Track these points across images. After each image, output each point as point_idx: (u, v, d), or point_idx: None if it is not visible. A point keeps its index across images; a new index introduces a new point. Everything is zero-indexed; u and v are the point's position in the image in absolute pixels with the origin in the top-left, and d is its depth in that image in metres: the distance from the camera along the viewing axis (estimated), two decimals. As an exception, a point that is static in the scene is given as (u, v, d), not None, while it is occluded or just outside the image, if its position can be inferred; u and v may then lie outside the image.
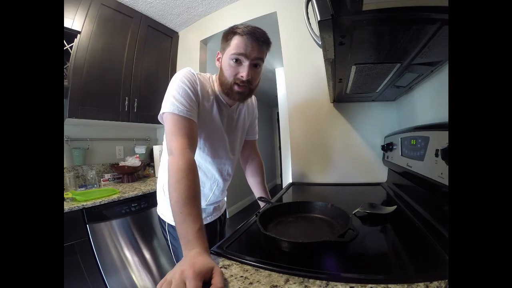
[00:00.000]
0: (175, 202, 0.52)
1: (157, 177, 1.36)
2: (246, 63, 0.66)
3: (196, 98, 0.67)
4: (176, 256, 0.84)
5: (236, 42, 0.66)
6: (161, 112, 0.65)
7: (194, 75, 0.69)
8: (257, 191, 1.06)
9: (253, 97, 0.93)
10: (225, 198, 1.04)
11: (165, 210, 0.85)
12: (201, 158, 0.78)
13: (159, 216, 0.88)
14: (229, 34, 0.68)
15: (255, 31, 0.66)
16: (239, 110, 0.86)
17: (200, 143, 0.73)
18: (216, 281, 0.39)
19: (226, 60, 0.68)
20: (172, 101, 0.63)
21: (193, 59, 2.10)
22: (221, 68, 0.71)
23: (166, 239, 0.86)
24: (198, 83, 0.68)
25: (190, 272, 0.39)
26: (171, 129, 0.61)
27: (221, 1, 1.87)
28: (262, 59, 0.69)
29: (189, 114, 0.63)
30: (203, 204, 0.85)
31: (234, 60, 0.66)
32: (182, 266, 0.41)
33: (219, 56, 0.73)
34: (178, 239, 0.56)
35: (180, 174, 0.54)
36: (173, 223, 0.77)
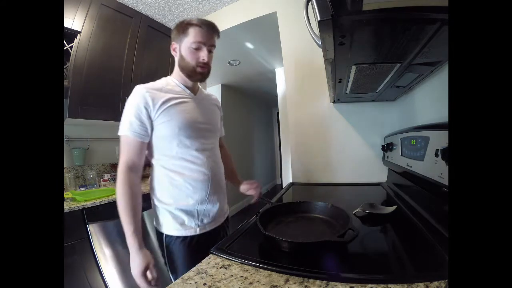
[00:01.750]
0: (120, 210, 0.72)
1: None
2: (204, 49, 0.79)
3: (148, 116, 0.75)
4: (174, 274, 0.79)
5: (194, 33, 0.77)
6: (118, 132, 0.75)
7: (144, 93, 0.75)
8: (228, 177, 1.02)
9: (216, 98, 1.02)
10: (227, 206, 0.97)
11: (162, 220, 0.80)
12: (184, 149, 0.79)
13: (156, 230, 0.83)
14: (184, 26, 0.78)
15: (208, 23, 0.79)
16: (205, 99, 0.93)
17: (179, 136, 0.78)
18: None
19: (186, 48, 0.79)
20: (127, 124, 0.74)
21: (193, 59, 2.10)
22: (181, 56, 0.81)
23: (164, 256, 0.80)
24: (149, 98, 0.75)
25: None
26: (121, 150, 0.75)
27: (221, 1, 1.87)
28: (214, 46, 0.83)
29: (139, 135, 0.74)
30: (200, 204, 0.81)
31: (195, 47, 0.78)
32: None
33: (175, 46, 0.82)
34: (176, 253, 0.78)
35: (120, 191, 0.72)
36: (170, 233, 0.78)
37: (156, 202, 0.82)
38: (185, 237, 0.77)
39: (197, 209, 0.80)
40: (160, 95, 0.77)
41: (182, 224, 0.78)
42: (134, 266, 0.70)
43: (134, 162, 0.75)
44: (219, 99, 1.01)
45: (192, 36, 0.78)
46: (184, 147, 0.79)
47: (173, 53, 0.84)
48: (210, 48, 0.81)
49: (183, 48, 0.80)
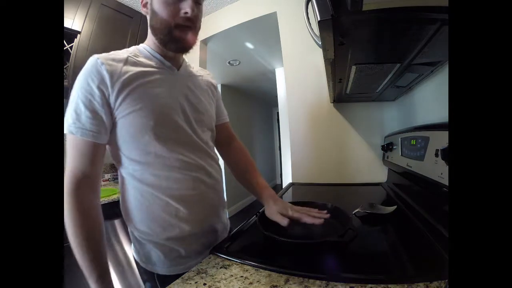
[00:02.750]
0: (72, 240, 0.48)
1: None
2: None
3: (104, 102, 0.50)
4: None
5: None
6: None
7: (98, 66, 0.51)
8: (255, 188, 0.73)
9: (210, 74, 0.75)
10: (227, 219, 0.74)
11: (147, 256, 0.59)
12: (164, 151, 0.55)
13: (138, 266, 0.61)
14: None
15: None
16: (193, 76, 0.67)
17: (154, 132, 0.54)
18: None
19: None
20: (73, 116, 0.50)
21: (193, 59, 2.10)
22: (152, 11, 0.55)
23: None
24: (106, 73, 0.51)
25: None
26: (67, 154, 0.51)
27: (221, 1, 1.87)
28: None
29: (91, 134, 0.50)
30: (199, 226, 0.60)
31: None
32: None
33: (145, 1, 0.56)
34: None
35: (69, 219, 0.48)
36: (164, 273, 0.58)
37: (134, 233, 0.59)
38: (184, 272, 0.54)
39: (195, 234, 0.59)
40: (124, 68, 0.52)
41: (178, 257, 0.58)
42: None
43: (86, 174, 0.50)
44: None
45: None
46: (165, 148, 0.55)
47: (142, 10, 0.58)
48: None
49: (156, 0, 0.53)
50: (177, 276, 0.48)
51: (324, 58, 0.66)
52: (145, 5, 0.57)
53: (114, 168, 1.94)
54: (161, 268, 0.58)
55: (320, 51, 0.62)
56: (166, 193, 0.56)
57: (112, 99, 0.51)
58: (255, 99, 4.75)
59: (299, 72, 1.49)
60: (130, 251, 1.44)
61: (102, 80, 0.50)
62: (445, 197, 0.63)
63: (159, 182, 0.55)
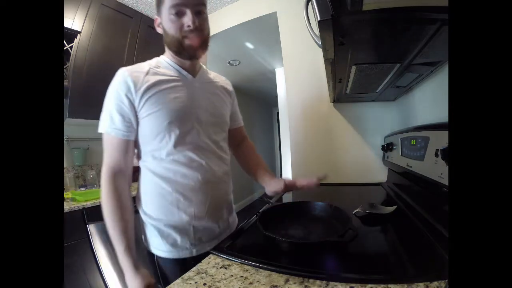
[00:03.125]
0: (106, 217, 0.59)
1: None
2: (187, 11, 0.60)
3: (131, 106, 0.61)
4: None
5: None
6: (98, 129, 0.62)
7: (125, 78, 0.61)
8: (258, 174, 0.80)
9: (227, 81, 0.83)
10: (235, 215, 0.81)
11: (150, 238, 0.67)
12: (177, 148, 0.63)
13: (147, 249, 0.68)
14: None
15: None
16: (209, 83, 0.75)
17: (169, 131, 0.62)
18: None
19: (165, 18, 0.61)
20: (107, 119, 0.61)
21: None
22: (164, 31, 0.65)
23: (158, 276, 0.67)
24: (132, 83, 0.60)
25: None
26: (104, 150, 0.62)
27: (221, 1, 1.87)
28: (204, 4, 0.63)
29: (122, 133, 0.61)
30: (196, 220, 0.66)
31: (175, 13, 0.60)
32: None
33: (158, 22, 0.65)
34: (171, 278, 0.61)
35: (106, 202, 0.59)
36: (162, 255, 0.65)
37: (142, 216, 0.68)
38: (179, 260, 0.64)
39: (193, 226, 0.65)
40: (146, 78, 0.62)
41: (173, 244, 0.64)
42: None
43: (120, 166, 0.61)
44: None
45: (168, 0, 0.59)
46: (177, 146, 0.63)
47: (158, 30, 0.68)
48: (197, 8, 0.61)
49: (164, 19, 0.62)
50: (171, 261, 0.64)
51: (324, 58, 0.66)
52: (158, 25, 0.67)
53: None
54: (159, 251, 0.65)
55: (320, 51, 0.62)
56: (172, 185, 0.64)
57: (136, 103, 0.61)
58: (255, 99, 4.75)
59: (299, 72, 1.49)
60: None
61: (128, 89, 0.60)
62: (445, 197, 0.63)
63: (167, 174, 0.64)
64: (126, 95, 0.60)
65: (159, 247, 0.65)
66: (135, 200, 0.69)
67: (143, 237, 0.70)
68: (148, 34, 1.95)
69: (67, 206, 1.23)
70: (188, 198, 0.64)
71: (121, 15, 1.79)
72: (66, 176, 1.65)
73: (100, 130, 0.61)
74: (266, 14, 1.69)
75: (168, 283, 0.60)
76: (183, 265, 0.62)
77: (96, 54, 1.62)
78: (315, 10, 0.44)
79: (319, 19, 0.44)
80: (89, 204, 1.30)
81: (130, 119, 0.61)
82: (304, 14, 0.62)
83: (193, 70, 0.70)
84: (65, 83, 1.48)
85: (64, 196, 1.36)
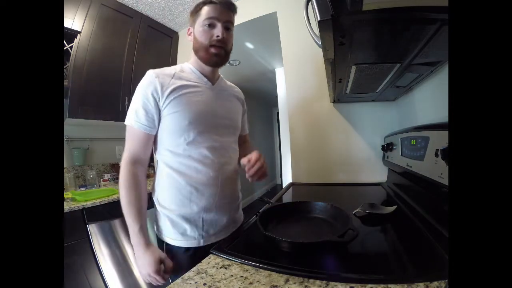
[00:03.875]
0: (123, 205, 0.66)
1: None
2: (219, 25, 0.70)
3: (155, 105, 0.68)
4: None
5: (207, 9, 0.71)
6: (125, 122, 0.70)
7: (153, 79, 0.68)
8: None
9: (240, 91, 0.91)
10: (242, 212, 0.87)
11: (162, 226, 0.73)
12: (193, 146, 0.70)
13: (156, 236, 0.76)
14: (197, 7, 0.73)
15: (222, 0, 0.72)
16: (226, 91, 0.83)
17: (188, 130, 0.69)
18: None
19: (198, 28, 0.72)
20: (133, 113, 0.68)
21: (193, 59, 2.10)
22: (194, 38, 0.74)
23: None
24: (158, 84, 0.68)
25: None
26: (126, 140, 0.70)
27: (221, 1, 1.87)
28: (232, 22, 0.74)
29: (144, 127, 0.68)
30: (205, 212, 0.72)
31: (207, 25, 0.70)
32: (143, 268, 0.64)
33: (190, 31, 0.76)
34: (177, 265, 0.69)
35: (123, 185, 0.67)
36: (171, 242, 0.71)
37: (156, 206, 0.75)
38: (187, 248, 0.70)
39: (202, 218, 0.71)
40: (171, 81, 0.70)
41: (183, 233, 0.70)
42: (144, 264, 0.64)
43: (139, 155, 0.69)
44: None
45: (204, 14, 0.70)
46: (193, 143, 0.70)
47: (188, 38, 0.77)
48: (227, 24, 0.72)
49: (196, 28, 0.72)
50: (179, 248, 0.70)
51: (324, 58, 0.66)
52: (190, 34, 0.76)
53: (114, 168, 1.94)
54: (169, 238, 0.71)
55: (320, 51, 0.62)
56: (186, 179, 0.70)
57: (161, 103, 0.68)
58: (255, 99, 4.75)
59: (299, 72, 1.49)
60: (129, 251, 1.44)
61: (155, 89, 0.67)
62: (445, 197, 0.63)
63: (182, 169, 0.70)
64: (152, 94, 0.67)
65: (169, 235, 0.71)
66: (151, 191, 0.77)
67: (155, 225, 0.76)
68: (148, 34, 1.95)
69: (67, 206, 1.23)
70: (200, 191, 0.71)
71: (121, 15, 1.79)
72: (66, 176, 1.65)
73: (126, 122, 0.69)
74: (266, 14, 1.69)
75: (175, 270, 0.68)
76: (190, 253, 0.70)
77: (96, 54, 1.62)
78: (315, 10, 0.44)
79: (319, 19, 0.44)
80: (89, 204, 1.30)
81: (153, 116, 0.68)
82: (304, 14, 0.62)
83: (213, 78, 0.78)
84: (65, 83, 1.48)
85: (64, 196, 1.36)
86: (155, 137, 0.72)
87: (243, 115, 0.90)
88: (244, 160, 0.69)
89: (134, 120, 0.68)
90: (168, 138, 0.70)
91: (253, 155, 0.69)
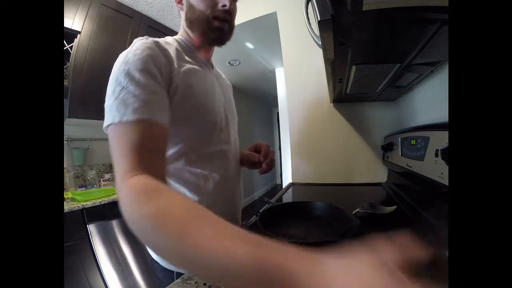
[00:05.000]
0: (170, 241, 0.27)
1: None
2: None
3: (168, 82, 0.47)
4: None
5: None
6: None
7: (155, 49, 0.48)
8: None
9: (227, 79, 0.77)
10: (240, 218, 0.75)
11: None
12: (196, 143, 0.54)
13: (156, 262, 0.59)
14: None
15: None
16: (221, 77, 0.71)
17: (194, 125, 0.53)
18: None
19: None
20: (137, 101, 0.40)
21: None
22: (189, 6, 0.55)
23: (157, 278, 0.59)
24: (166, 58, 0.49)
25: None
26: (118, 152, 0.41)
27: (221, 1, 1.87)
28: None
29: (161, 118, 0.43)
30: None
31: None
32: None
33: None
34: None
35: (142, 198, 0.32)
36: (164, 265, 0.55)
37: None
38: (178, 273, 0.54)
39: None
40: (179, 62, 0.51)
41: None
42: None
43: (147, 169, 0.38)
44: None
45: None
46: (198, 142, 0.54)
47: (177, 6, 0.59)
48: None
49: None
50: (172, 272, 0.52)
51: (324, 58, 0.66)
52: (180, 2, 0.58)
53: (114, 168, 1.94)
54: (162, 260, 0.57)
55: (320, 51, 0.62)
56: (188, 188, 0.55)
57: (172, 87, 0.50)
58: (255, 99, 4.75)
59: (299, 72, 1.49)
60: (129, 251, 1.44)
61: (167, 63, 0.50)
62: (445, 197, 0.63)
63: (180, 174, 0.54)
64: (160, 71, 0.45)
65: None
66: None
67: (155, 255, 0.62)
68: (148, 34, 1.95)
69: (67, 206, 1.23)
70: (199, 196, 0.57)
71: (121, 15, 1.79)
72: (66, 176, 1.65)
73: (114, 120, 0.43)
74: (266, 14, 1.69)
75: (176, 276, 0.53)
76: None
77: (96, 54, 1.63)
78: (315, 10, 0.44)
79: (319, 19, 0.44)
80: (89, 204, 1.30)
81: (166, 102, 0.46)
82: (304, 14, 0.62)
83: (209, 61, 0.63)
84: (65, 83, 1.48)
85: (64, 196, 1.36)
86: None
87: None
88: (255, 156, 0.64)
89: (147, 113, 0.39)
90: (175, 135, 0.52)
91: (263, 147, 0.65)
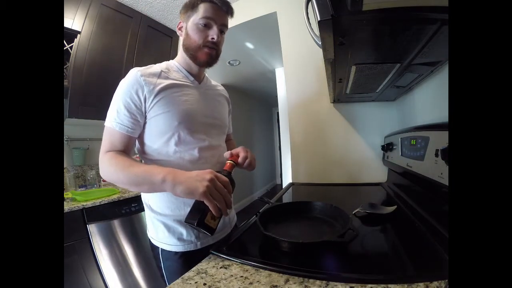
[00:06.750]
0: (127, 179, 0.59)
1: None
2: (215, 26, 0.69)
3: (140, 106, 0.64)
4: None
5: (205, 8, 0.68)
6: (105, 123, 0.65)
7: (138, 78, 0.64)
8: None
9: (224, 90, 0.90)
10: (234, 211, 0.85)
11: (156, 232, 0.69)
12: (183, 147, 0.68)
13: (150, 241, 0.72)
14: (194, 2, 0.70)
15: (221, 0, 0.70)
16: (212, 89, 0.82)
17: (178, 131, 0.67)
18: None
19: (193, 25, 0.69)
20: (114, 113, 0.63)
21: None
22: (187, 34, 0.71)
23: (160, 268, 0.70)
24: (144, 84, 0.64)
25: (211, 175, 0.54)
26: (104, 140, 0.64)
27: (221, 1, 1.87)
28: (226, 26, 0.74)
29: (127, 129, 0.63)
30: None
31: (203, 24, 0.68)
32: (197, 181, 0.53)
33: (181, 25, 0.73)
34: (174, 270, 0.67)
35: (110, 161, 0.61)
36: (167, 248, 0.67)
37: (148, 212, 0.71)
38: (184, 253, 0.67)
39: None
40: (158, 81, 0.66)
41: (179, 238, 0.67)
42: (194, 177, 0.53)
43: (119, 151, 0.64)
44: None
45: (201, 12, 0.68)
46: (184, 144, 0.67)
47: (178, 32, 0.74)
48: (222, 27, 0.71)
49: (190, 25, 0.70)
50: (176, 254, 0.67)
51: (324, 58, 0.66)
52: (180, 29, 0.74)
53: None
54: (165, 245, 0.68)
55: (320, 51, 0.62)
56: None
57: (147, 104, 0.65)
58: (255, 99, 4.75)
59: (299, 72, 1.49)
60: (129, 251, 1.44)
61: (141, 89, 0.64)
62: (445, 197, 0.63)
63: None
64: (138, 94, 0.63)
65: (165, 241, 0.68)
66: (141, 196, 0.75)
67: (148, 232, 0.73)
68: (148, 34, 1.95)
69: (67, 206, 1.23)
70: None
71: (121, 15, 1.79)
72: (66, 176, 1.65)
73: (106, 123, 0.64)
74: (266, 14, 1.69)
75: (172, 275, 0.67)
76: (188, 257, 0.66)
77: (96, 54, 1.62)
78: (315, 10, 0.44)
79: (319, 19, 0.44)
80: (89, 204, 1.30)
81: (137, 118, 0.64)
82: (304, 14, 0.62)
83: (199, 77, 0.77)
84: (65, 83, 1.48)
85: (64, 196, 1.36)
86: (141, 139, 0.68)
87: (229, 114, 0.90)
88: (226, 154, 0.70)
89: (114, 121, 0.62)
90: (156, 140, 0.67)
91: (239, 150, 0.71)
